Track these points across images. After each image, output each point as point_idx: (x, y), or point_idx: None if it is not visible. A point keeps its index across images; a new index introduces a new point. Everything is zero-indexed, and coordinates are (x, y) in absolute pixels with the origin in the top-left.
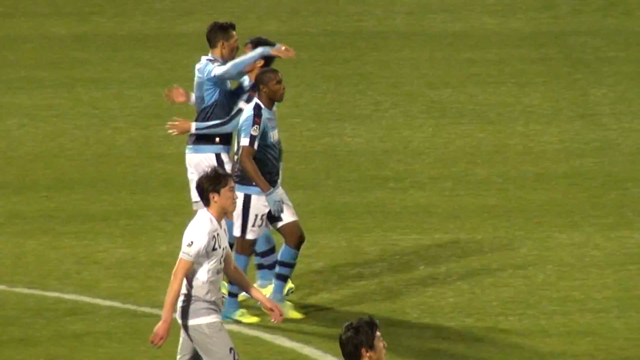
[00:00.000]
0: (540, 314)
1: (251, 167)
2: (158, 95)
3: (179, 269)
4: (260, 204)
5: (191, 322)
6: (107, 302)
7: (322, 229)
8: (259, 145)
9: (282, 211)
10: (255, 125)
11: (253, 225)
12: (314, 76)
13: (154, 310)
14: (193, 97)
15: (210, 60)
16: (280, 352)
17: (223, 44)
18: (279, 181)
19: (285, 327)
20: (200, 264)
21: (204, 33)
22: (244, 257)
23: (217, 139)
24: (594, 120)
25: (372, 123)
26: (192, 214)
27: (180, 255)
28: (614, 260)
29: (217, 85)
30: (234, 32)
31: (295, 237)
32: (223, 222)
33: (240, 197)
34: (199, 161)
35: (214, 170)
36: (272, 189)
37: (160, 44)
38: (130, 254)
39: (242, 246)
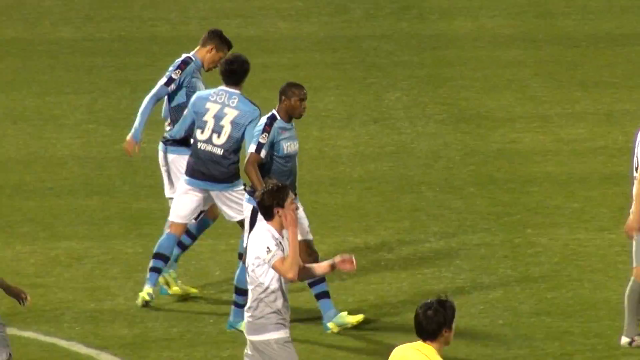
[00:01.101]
0: None
1: (254, 174)
2: None
3: (281, 270)
4: None
5: (260, 337)
6: None
7: (118, 235)
8: (270, 156)
9: None
10: (265, 134)
11: None
12: (109, 82)
13: None
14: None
15: (188, 59)
16: (76, 359)
17: (211, 51)
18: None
19: (81, 334)
20: (270, 273)
21: None
22: None
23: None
24: (388, 124)
25: None
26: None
27: (271, 265)
28: (409, 264)
29: (187, 90)
30: (226, 52)
31: (304, 255)
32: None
33: (248, 209)
34: (174, 158)
35: (276, 184)
36: None
37: None
38: None
39: None
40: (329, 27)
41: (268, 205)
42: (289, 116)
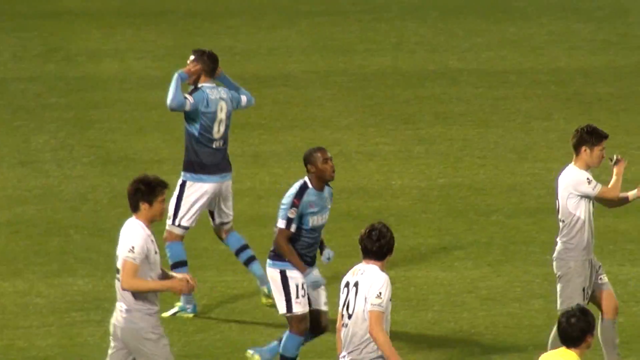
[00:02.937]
0: None
1: (287, 250)
2: None
3: (375, 322)
4: (297, 274)
5: None
6: None
7: None
8: (296, 228)
9: (320, 286)
10: (293, 208)
11: (297, 297)
12: None
13: None
14: None
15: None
16: None
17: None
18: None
19: None
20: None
21: None
22: (299, 337)
23: None
24: (35, 167)
25: None
26: None
27: (371, 308)
28: (57, 307)
29: None
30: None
31: (316, 324)
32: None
33: (276, 274)
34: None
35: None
36: (309, 269)
37: None
38: None
39: (294, 323)
40: None
41: (386, 252)
42: (321, 183)
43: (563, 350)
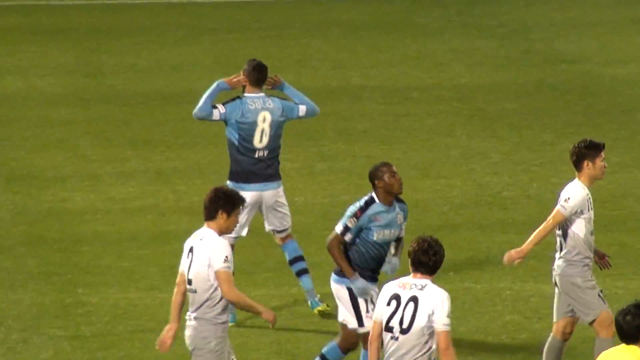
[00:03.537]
0: None
1: (337, 253)
2: None
3: (447, 342)
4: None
5: None
6: None
7: None
8: (360, 239)
9: (367, 296)
10: (353, 218)
11: (367, 312)
12: None
13: None
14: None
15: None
16: None
17: None
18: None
19: None
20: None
21: None
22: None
23: None
24: None
25: None
26: None
27: (443, 328)
28: None
29: None
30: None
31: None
32: None
33: (343, 291)
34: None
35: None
36: (356, 274)
37: None
38: None
39: (366, 340)
40: None
41: (436, 266)
42: (390, 197)
43: (624, 346)
